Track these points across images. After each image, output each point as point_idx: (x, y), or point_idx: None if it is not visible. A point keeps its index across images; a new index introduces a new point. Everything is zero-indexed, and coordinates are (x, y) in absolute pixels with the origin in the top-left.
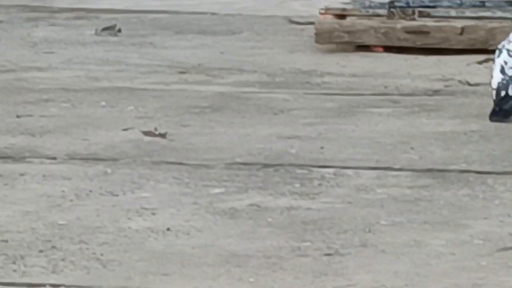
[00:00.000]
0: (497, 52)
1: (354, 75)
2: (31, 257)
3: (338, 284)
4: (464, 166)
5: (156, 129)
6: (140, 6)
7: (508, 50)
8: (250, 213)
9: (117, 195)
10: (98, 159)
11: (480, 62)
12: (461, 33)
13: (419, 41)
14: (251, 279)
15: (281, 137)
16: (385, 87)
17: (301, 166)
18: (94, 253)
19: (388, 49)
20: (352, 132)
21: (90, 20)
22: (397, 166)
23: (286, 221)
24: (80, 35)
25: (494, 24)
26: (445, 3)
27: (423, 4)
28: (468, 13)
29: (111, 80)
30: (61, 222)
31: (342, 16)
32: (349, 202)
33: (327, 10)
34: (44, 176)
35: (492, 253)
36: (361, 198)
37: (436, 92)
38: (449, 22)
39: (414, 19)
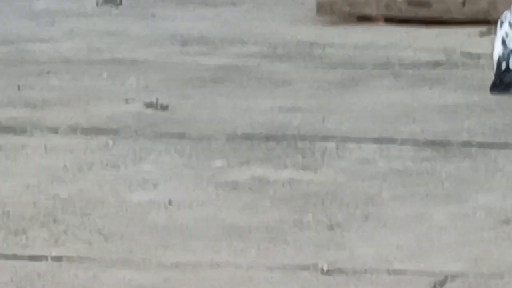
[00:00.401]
0: (499, 23)
1: (355, 47)
2: (33, 229)
3: (340, 257)
4: (466, 139)
5: (157, 101)
6: None
7: (510, 22)
8: (252, 186)
9: (118, 168)
10: (99, 132)
11: (482, 34)
12: (463, 5)
13: (421, 13)
14: (253, 252)
15: (282, 109)
16: (387, 59)
17: (303, 138)
18: (96, 226)
19: (390, 20)
20: (354, 105)
21: None
22: (399, 139)
23: (288, 194)
24: (82, 7)
25: None
26: None
27: None
28: None
29: (113, 52)
30: (63, 195)
31: None
32: (351, 175)
33: None
34: (45, 148)
35: (494, 226)
36: (363, 171)
37: (437, 64)
38: None
39: None
